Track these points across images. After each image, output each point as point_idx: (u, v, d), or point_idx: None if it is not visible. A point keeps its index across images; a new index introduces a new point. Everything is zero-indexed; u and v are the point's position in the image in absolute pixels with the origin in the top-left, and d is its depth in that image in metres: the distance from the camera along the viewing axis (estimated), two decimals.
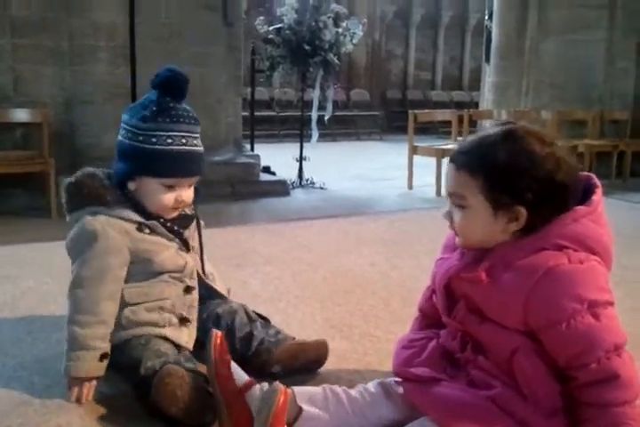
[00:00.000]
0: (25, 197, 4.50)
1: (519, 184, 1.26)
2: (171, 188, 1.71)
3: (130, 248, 1.69)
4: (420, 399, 1.34)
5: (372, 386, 1.46)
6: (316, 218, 4.36)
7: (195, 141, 1.74)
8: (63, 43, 4.55)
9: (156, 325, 1.70)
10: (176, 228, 1.78)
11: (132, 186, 1.74)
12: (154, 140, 1.67)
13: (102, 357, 1.63)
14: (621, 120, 6.86)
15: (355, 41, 6.00)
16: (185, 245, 1.81)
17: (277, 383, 1.31)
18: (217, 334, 1.49)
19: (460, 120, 6.30)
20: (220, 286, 1.92)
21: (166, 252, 1.75)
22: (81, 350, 1.62)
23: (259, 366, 1.70)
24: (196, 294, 1.82)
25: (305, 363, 1.74)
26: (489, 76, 7.67)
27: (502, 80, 7.36)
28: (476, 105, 9.47)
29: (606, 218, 1.35)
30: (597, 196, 1.33)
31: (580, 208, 1.30)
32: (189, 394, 1.45)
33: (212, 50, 5.15)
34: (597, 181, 1.38)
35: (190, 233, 1.85)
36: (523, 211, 1.28)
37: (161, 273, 1.74)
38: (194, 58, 4.95)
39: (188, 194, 1.76)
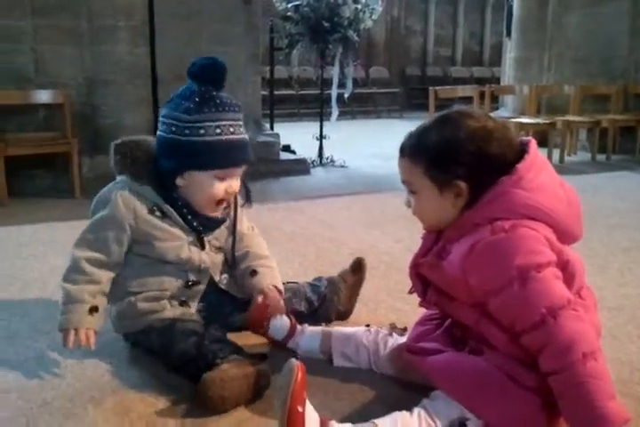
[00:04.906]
0: (48, 178, 4.53)
1: (451, 160, 1.34)
2: (222, 179, 1.67)
3: (131, 225, 1.67)
4: (421, 366, 1.44)
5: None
6: (338, 195, 4.36)
7: (241, 129, 1.68)
8: (82, 23, 4.53)
9: (155, 311, 1.71)
10: (195, 224, 1.73)
11: (180, 182, 1.69)
12: (202, 131, 1.62)
13: (92, 310, 1.63)
14: None
15: (374, 17, 5.90)
16: (200, 243, 1.76)
17: (293, 360, 1.29)
18: (258, 299, 1.75)
19: (482, 96, 6.21)
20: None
21: (176, 242, 1.71)
22: (71, 303, 1.62)
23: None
24: (200, 287, 1.79)
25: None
26: (510, 51, 7.55)
27: (524, 55, 7.26)
28: (498, 81, 9.31)
29: (545, 180, 1.34)
30: (524, 163, 1.33)
31: (504, 179, 1.32)
32: (235, 391, 1.46)
33: (230, 28, 5.10)
34: (532, 147, 1.38)
35: (216, 235, 1.81)
36: (462, 184, 1.35)
37: (164, 263, 1.72)
38: (213, 36, 4.92)
39: (237, 184, 1.72)
